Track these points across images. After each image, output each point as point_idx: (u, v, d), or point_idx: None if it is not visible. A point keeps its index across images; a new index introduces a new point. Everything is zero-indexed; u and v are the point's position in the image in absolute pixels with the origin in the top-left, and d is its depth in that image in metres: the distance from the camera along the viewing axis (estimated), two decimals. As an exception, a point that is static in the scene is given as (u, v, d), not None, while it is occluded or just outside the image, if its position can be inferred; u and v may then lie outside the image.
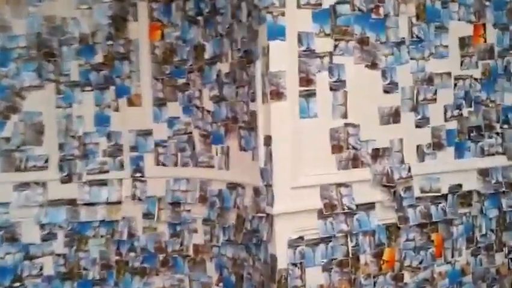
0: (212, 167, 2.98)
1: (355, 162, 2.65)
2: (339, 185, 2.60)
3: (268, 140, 2.49)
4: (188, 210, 3.05)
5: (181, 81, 3.06)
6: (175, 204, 3.06)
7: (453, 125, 2.85)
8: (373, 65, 2.67)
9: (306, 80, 2.53)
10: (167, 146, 3.08)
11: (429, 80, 2.81)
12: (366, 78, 2.65)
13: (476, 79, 2.92)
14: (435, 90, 2.82)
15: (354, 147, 2.64)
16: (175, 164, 3.07)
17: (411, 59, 2.76)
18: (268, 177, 2.49)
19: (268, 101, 2.46)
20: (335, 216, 2.58)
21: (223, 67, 2.87)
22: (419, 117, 2.79)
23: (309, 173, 2.53)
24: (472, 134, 2.91)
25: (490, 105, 2.96)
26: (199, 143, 3.04)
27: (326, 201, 2.57)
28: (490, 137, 2.96)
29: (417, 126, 2.79)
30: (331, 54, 2.58)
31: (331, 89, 2.59)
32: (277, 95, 2.45)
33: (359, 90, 2.63)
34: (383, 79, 2.70)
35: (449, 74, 2.86)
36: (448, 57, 2.85)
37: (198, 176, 3.02)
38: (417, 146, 2.80)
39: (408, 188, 2.73)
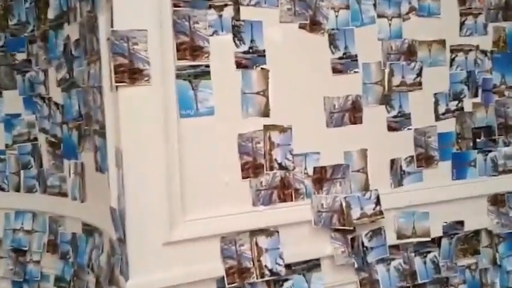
0: (65, 195, 1.86)
1: (284, 191, 1.56)
2: (256, 232, 1.51)
3: (119, 157, 1.37)
4: (37, 262, 1.96)
5: (20, 56, 1.94)
6: (19, 251, 1.97)
7: (449, 125, 1.82)
8: (313, 25, 1.59)
9: (190, 49, 1.42)
10: (5, 159, 1.99)
11: (410, 53, 1.73)
12: (302, 48, 1.57)
13: (484, 52, 1.86)
14: (420, 69, 1.75)
15: (282, 166, 1.55)
16: (17, 189, 1.98)
17: (380, 16, 1.68)
18: (120, 224, 1.38)
19: (113, 86, 1.34)
20: (248, 288, 1.49)
21: (72, 31, 1.75)
22: (394, 113, 1.71)
23: (198, 214, 1.44)
24: (478, 140, 1.87)
25: (507, 93, 1.90)
26: (47, 156, 1.92)
27: (231, 264, 1.48)
28: (507, 144, 1.90)
29: (391, 128, 1.71)
30: (237, 3, 1.47)
31: (239, 66, 1.49)
32: (131, 74, 1.34)
33: (289, 68, 1.55)
34: (331, 50, 1.61)
35: (441, 42, 1.78)
36: (440, 16, 1.75)
37: (47, 208, 1.93)
38: (392, 162, 1.72)
39: (377, 232, 1.65)
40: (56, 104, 1.87)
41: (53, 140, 1.90)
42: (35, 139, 1.96)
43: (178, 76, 1.41)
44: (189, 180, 1.42)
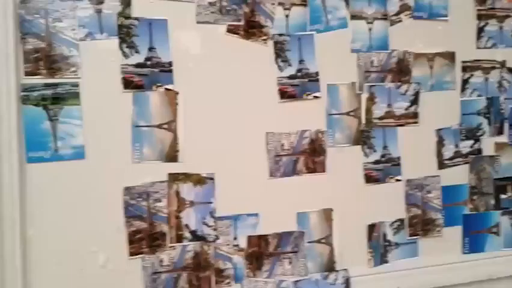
0: None
1: (199, 274, 1.07)
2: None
3: None
4: None
5: None
6: None
7: (459, 175, 1.29)
8: (251, 29, 1.08)
9: (47, 59, 0.95)
10: None
11: (401, 71, 1.20)
12: (233, 62, 1.08)
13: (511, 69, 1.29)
14: (416, 95, 1.21)
15: (197, 236, 1.05)
16: None
17: (355, 17, 1.16)
18: None
19: None
20: None
21: None
22: (375, 157, 1.18)
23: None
24: (503, 197, 1.34)
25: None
26: None
27: None
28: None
29: (371, 179, 1.19)
30: (126, -8, 1.00)
31: (129, 86, 1.00)
32: None
33: (209, 90, 1.06)
34: (279, 64, 1.10)
35: (449, 56, 1.25)
36: (448, 19, 1.23)
37: None
38: (371, 228, 1.19)
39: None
40: None
41: None
42: None
43: (25, 100, 0.93)
44: (38, 262, 0.93)
